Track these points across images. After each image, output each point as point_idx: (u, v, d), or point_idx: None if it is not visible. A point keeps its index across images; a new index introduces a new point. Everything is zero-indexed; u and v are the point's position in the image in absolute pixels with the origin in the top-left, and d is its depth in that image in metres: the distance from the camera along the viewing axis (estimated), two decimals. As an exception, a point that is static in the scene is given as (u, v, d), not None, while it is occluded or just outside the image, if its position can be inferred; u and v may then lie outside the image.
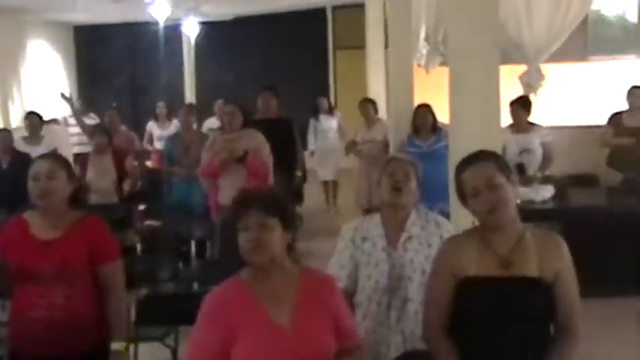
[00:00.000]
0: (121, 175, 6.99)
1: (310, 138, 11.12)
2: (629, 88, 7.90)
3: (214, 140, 6.21)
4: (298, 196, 8.14)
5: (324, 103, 11.26)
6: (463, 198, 2.70)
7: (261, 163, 6.04)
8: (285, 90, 12.25)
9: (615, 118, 7.86)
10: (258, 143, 6.10)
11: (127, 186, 7.05)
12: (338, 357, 2.50)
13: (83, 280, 3.27)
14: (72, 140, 10.04)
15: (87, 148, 8.06)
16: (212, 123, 10.47)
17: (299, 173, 7.92)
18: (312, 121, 11.19)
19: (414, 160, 3.53)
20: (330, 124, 11.14)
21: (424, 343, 2.84)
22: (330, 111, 11.33)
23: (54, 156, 3.62)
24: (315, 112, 11.11)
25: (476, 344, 2.63)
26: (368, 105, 8.91)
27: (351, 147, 8.83)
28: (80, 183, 3.47)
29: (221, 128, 6.36)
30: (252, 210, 2.47)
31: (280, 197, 2.62)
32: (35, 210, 3.33)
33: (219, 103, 10.93)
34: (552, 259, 2.63)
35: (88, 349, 3.26)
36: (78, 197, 3.41)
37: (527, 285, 2.61)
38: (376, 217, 3.39)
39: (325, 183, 11.49)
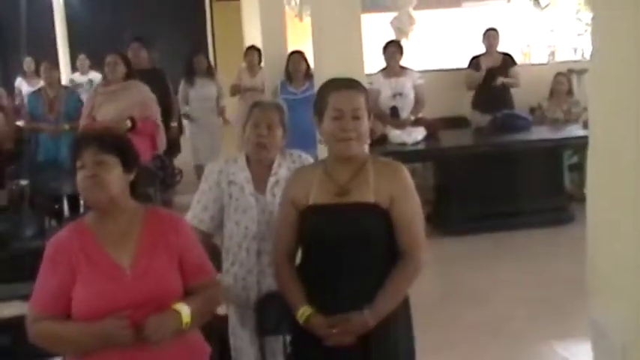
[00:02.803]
0: None
1: (181, 108, 8.48)
2: (484, 30, 8.14)
3: (95, 92, 6.03)
4: (175, 148, 7.99)
5: (201, 62, 8.65)
6: (320, 116, 2.69)
7: (151, 124, 5.89)
8: (162, 44, 12.04)
9: (474, 60, 8.10)
10: (142, 96, 5.97)
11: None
12: (191, 295, 2.47)
13: None
14: None
15: None
16: (75, 77, 10.16)
17: (174, 124, 7.79)
18: (183, 86, 8.54)
19: (279, 103, 3.47)
20: (209, 90, 8.57)
21: (274, 276, 2.88)
22: (210, 73, 8.73)
23: None
24: (190, 74, 8.50)
25: (314, 272, 2.68)
26: (254, 52, 8.83)
27: (236, 90, 8.74)
28: None
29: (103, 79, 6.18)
30: (89, 147, 2.40)
31: (118, 135, 2.57)
32: None
33: (81, 59, 10.71)
34: (388, 184, 2.67)
35: None
36: None
37: (362, 210, 2.65)
38: (241, 160, 3.29)
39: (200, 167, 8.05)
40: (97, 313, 2.32)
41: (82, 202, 6.87)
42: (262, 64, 8.71)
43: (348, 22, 4.54)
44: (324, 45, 4.60)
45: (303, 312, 2.60)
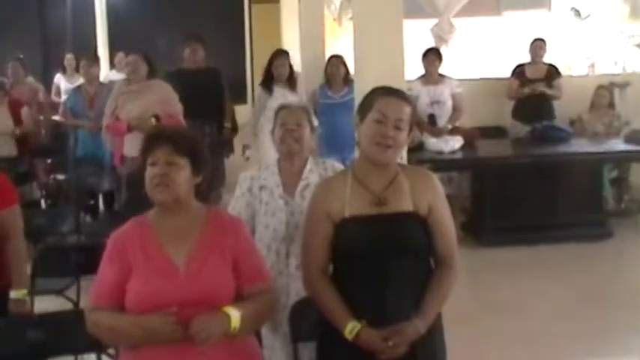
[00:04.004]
0: (18, 126, 6.81)
1: (256, 120, 7.22)
2: (531, 40, 8.06)
3: (119, 91, 6.04)
4: (227, 148, 7.93)
5: (283, 68, 7.06)
6: (362, 116, 2.66)
7: (175, 122, 5.86)
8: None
9: (519, 70, 8.02)
10: (165, 94, 5.94)
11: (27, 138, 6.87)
12: (244, 300, 2.47)
13: None
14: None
15: None
16: (112, 75, 10.21)
17: (228, 124, 7.76)
18: (260, 95, 7.21)
19: (305, 105, 3.53)
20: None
21: (305, 289, 2.82)
22: (292, 82, 7.13)
23: None
24: (268, 81, 7.11)
25: (357, 284, 2.63)
26: (282, 55, 8.78)
27: None
28: None
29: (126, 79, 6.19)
30: (162, 146, 2.44)
31: (193, 138, 2.59)
32: None
33: (119, 56, 10.74)
34: (424, 193, 2.66)
35: None
36: None
37: (403, 220, 2.63)
38: (273, 166, 3.36)
39: None
40: (148, 308, 2.36)
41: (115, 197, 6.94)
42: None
43: (391, 27, 4.50)
44: (365, 50, 4.57)
45: (353, 327, 2.55)
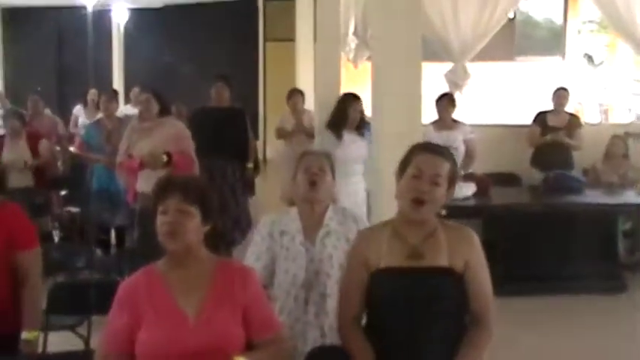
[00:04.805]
0: (36, 158, 6.88)
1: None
2: (554, 89, 8.09)
3: (132, 128, 6.09)
4: (249, 188, 7.97)
5: (357, 112, 6.31)
6: (401, 172, 2.70)
7: (187, 159, 5.90)
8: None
9: (540, 117, 8.04)
10: (177, 132, 5.95)
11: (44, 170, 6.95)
12: (255, 349, 2.50)
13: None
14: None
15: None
16: (128, 110, 10.30)
17: (250, 164, 7.80)
18: (327, 141, 6.21)
19: (328, 153, 3.55)
20: (357, 149, 6.20)
21: (339, 337, 2.83)
22: (361, 127, 6.35)
23: None
24: (339, 125, 6.26)
25: (390, 336, 2.64)
26: (297, 95, 8.89)
27: (281, 133, 8.77)
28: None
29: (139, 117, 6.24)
30: (173, 195, 2.49)
31: (203, 186, 2.63)
32: None
33: (135, 91, 10.84)
34: (462, 250, 2.67)
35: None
36: None
37: (438, 274, 2.64)
38: (293, 211, 3.37)
39: None
40: (158, 357, 2.38)
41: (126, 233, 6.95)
42: (306, 106, 8.77)
43: (410, 70, 4.50)
44: (383, 92, 4.59)
45: None
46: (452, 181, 2.69)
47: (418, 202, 2.61)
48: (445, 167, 2.66)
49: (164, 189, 2.52)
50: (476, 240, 2.73)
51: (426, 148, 2.73)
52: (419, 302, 2.60)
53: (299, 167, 3.35)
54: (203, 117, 6.68)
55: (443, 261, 2.64)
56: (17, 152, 6.90)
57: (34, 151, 6.96)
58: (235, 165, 7.02)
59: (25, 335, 3.26)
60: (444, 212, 2.82)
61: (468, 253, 2.67)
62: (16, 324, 3.27)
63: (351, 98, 6.42)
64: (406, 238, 2.68)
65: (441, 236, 2.68)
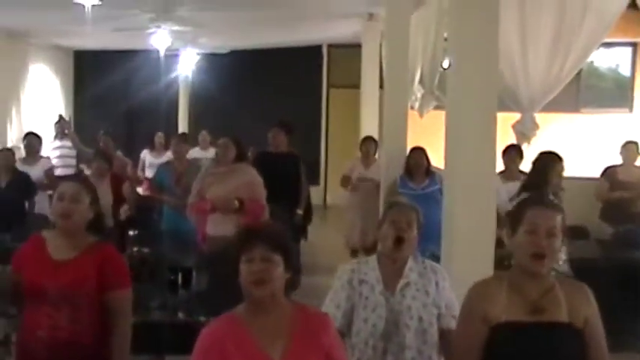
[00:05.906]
0: (118, 199, 7.02)
1: None
2: (623, 142, 8.00)
3: (206, 172, 6.20)
4: (298, 233, 8.03)
5: (557, 175, 6.03)
6: (513, 228, 2.72)
7: (258, 206, 5.98)
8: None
9: (609, 171, 7.94)
10: (250, 179, 6.07)
11: (124, 211, 7.08)
12: None
13: (91, 304, 3.29)
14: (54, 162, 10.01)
15: (69, 171, 8.33)
16: (195, 153, 10.51)
17: (300, 211, 7.88)
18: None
19: (416, 205, 3.54)
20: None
21: None
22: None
23: (81, 179, 3.66)
24: (539, 188, 5.71)
25: None
26: (371, 143, 8.96)
27: (347, 181, 8.81)
28: (100, 209, 3.50)
29: (215, 160, 6.37)
30: (258, 244, 2.54)
31: (284, 234, 2.69)
32: (54, 229, 3.38)
33: (203, 134, 11.07)
34: (581, 306, 2.70)
35: None
36: (96, 223, 3.46)
37: (559, 330, 2.66)
38: (372, 261, 3.40)
39: None
40: None
41: (194, 275, 7.02)
42: (377, 155, 8.79)
43: (484, 120, 4.54)
44: (457, 142, 4.61)
45: None
46: (565, 232, 2.73)
47: (538, 256, 2.64)
48: (558, 219, 2.70)
49: (248, 238, 2.58)
50: (592, 297, 2.76)
51: (536, 202, 2.79)
52: (541, 357, 2.63)
53: (386, 218, 3.37)
54: (261, 161, 6.84)
55: (563, 317, 2.67)
56: (101, 193, 7.00)
57: (116, 192, 7.11)
58: (285, 210, 7.10)
59: None
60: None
61: (586, 309, 2.70)
62: None
63: (554, 158, 5.97)
64: (525, 292, 2.70)
65: (560, 292, 2.70)
